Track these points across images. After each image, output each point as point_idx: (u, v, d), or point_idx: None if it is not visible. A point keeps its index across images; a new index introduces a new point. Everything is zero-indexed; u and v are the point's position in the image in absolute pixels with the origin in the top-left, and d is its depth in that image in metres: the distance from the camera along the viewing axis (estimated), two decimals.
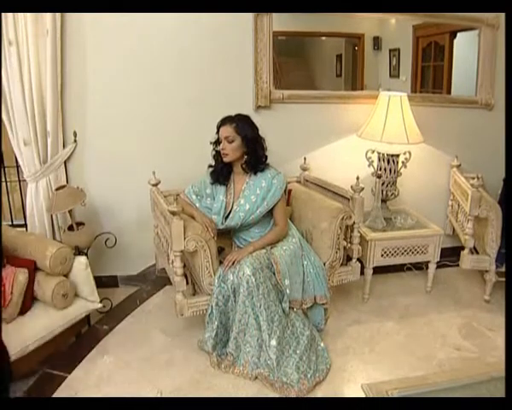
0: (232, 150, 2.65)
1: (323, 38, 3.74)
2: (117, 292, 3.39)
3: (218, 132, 2.69)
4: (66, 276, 2.68)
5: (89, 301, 2.78)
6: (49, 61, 2.95)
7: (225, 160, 2.70)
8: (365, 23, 3.57)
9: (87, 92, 3.14)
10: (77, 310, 2.71)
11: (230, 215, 2.75)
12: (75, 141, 3.18)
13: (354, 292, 3.35)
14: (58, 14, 2.92)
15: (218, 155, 2.75)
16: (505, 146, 2.65)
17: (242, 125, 2.65)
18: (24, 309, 2.57)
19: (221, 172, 2.79)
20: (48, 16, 2.88)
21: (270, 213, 2.78)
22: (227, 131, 2.64)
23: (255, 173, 2.73)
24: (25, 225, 3.29)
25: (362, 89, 3.65)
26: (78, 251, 2.95)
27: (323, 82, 3.71)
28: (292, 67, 3.59)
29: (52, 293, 2.56)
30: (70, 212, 3.01)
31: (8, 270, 2.57)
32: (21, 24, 2.89)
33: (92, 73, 3.12)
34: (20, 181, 3.40)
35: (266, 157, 2.76)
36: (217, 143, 2.72)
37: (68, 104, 3.13)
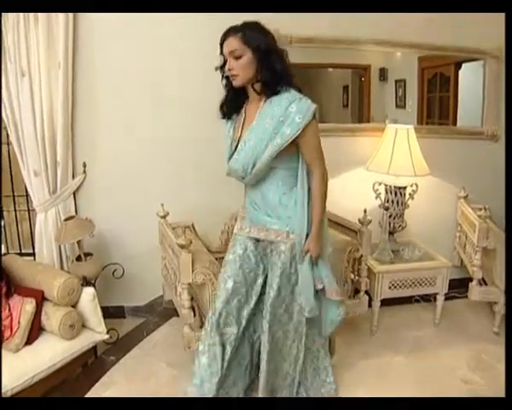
0: (242, 68, 1.98)
1: (330, 69, 3.78)
2: (124, 323, 3.38)
3: (221, 52, 2.03)
4: (73, 306, 2.69)
5: (96, 332, 2.78)
6: (60, 92, 3.00)
7: (235, 84, 2.04)
8: (371, 55, 3.60)
9: (97, 123, 3.19)
10: (84, 341, 2.71)
11: (234, 156, 2.12)
12: (84, 172, 3.22)
13: (362, 325, 3.31)
14: (70, 46, 2.98)
15: (228, 83, 2.11)
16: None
17: (251, 33, 1.97)
18: (31, 339, 2.57)
19: (233, 103, 2.17)
20: (61, 48, 2.94)
21: (293, 161, 2.10)
22: (232, 44, 1.97)
23: (270, 98, 2.03)
24: (33, 255, 3.30)
25: (368, 119, 3.68)
26: (86, 281, 2.95)
27: (330, 113, 3.74)
28: None
29: (59, 324, 2.57)
30: (78, 242, 3.02)
31: (16, 299, 2.59)
32: (34, 55, 2.95)
33: (102, 104, 3.16)
34: (29, 210, 3.43)
35: (290, 76, 2.03)
36: (223, 66, 2.05)
37: (78, 135, 3.18)
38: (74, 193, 3.23)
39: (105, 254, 3.32)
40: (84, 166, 3.21)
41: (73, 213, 3.18)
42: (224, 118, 2.21)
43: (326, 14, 3.15)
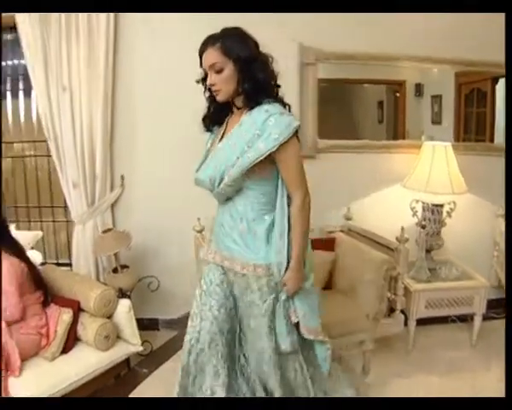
0: (224, 82, 1.81)
1: (365, 84, 3.77)
2: (158, 335, 3.39)
3: (201, 64, 1.86)
4: (109, 318, 2.71)
5: (130, 343, 2.79)
6: (100, 104, 3.07)
7: (219, 99, 1.88)
8: (406, 70, 3.57)
9: (136, 136, 3.24)
10: (118, 352, 2.72)
11: (202, 166, 1.97)
12: (122, 185, 3.27)
13: (397, 344, 3.25)
14: (111, 59, 3.06)
15: (211, 96, 1.94)
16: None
17: (231, 41, 1.79)
18: (67, 348, 2.60)
19: (216, 116, 2.00)
20: (101, 61, 3.02)
21: (268, 183, 1.88)
22: (211, 56, 1.79)
23: (251, 109, 1.84)
24: (70, 265, 3.36)
25: (404, 135, 3.64)
26: (122, 293, 2.99)
27: (365, 128, 3.72)
28: (334, 113, 3.62)
29: (95, 334, 2.59)
30: (115, 254, 3.06)
31: (53, 309, 2.63)
32: (75, 69, 3.04)
33: (141, 117, 3.22)
34: (67, 221, 3.50)
35: (273, 86, 1.87)
36: (204, 80, 1.90)
37: (117, 148, 3.24)
38: (112, 205, 3.29)
39: (141, 266, 3.35)
40: (122, 179, 3.26)
41: (111, 226, 3.23)
42: (207, 131, 2.05)
43: (361, 30, 3.16)
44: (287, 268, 1.86)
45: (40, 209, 3.64)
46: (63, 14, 2.98)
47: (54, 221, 3.61)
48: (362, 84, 3.74)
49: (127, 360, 2.90)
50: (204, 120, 2.02)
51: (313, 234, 2.76)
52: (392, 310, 2.96)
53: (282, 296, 1.90)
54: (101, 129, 3.10)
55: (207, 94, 1.94)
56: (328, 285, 3.07)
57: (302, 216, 1.85)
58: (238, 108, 1.87)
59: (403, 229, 2.85)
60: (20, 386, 2.31)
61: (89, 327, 2.63)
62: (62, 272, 2.98)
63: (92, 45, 3.03)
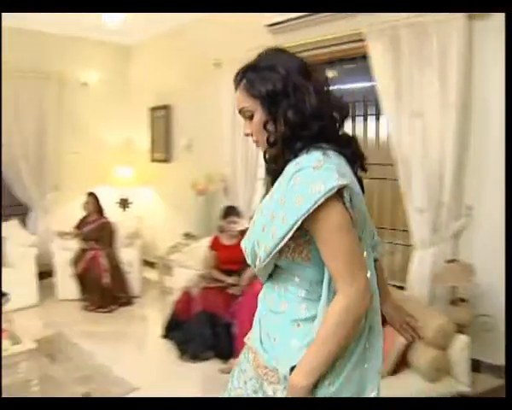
0: (257, 131, 1.38)
1: None
2: (480, 379, 3.08)
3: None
4: (443, 350, 2.63)
5: (458, 381, 2.65)
6: (451, 133, 3.03)
7: (262, 150, 1.45)
8: None
9: (487, 167, 3.06)
10: (444, 388, 2.62)
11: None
12: (468, 215, 3.13)
13: None
14: (463, 86, 2.99)
15: None
16: None
17: (256, 74, 1.35)
18: (397, 370, 2.64)
19: (271, 173, 1.48)
20: (453, 87, 2.98)
21: (300, 262, 1.32)
22: (239, 100, 1.40)
23: (286, 163, 1.35)
24: (401, 288, 3.41)
25: None
26: (458, 328, 2.86)
27: None
28: None
29: (427, 364, 2.55)
30: (455, 286, 2.95)
31: (389, 329, 2.69)
32: (427, 95, 3.09)
33: (494, 148, 3.00)
34: (406, 245, 3.57)
35: (311, 126, 1.31)
36: None
37: (466, 177, 3.13)
38: (455, 235, 3.18)
39: (479, 302, 3.13)
40: (470, 209, 3.12)
41: (452, 255, 3.13)
42: None
43: None
44: None
45: (381, 230, 3.81)
46: (414, 40, 3.10)
47: (393, 243, 3.74)
48: None
49: None
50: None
51: None
52: None
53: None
54: (452, 157, 3.04)
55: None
56: None
57: (336, 322, 1.23)
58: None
59: None
60: None
61: (422, 355, 2.61)
62: (399, 294, 3.04)
63: (444, 70, 3.02)
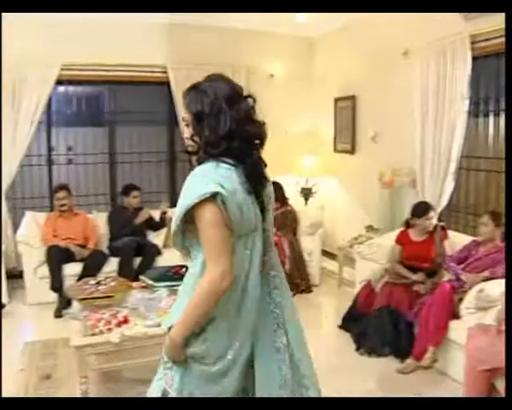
0: (188, 138, 1.74)
1: None
2: None
3: None
4: None
5: None
6: None
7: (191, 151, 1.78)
8: None
9: None
10: None
11: None
12: None
13: None
14: None
15: None
16: None
17: (194, 95, 1.68)
18: None
19: None
20: None
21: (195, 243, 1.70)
22: (184, 110, 1.75)
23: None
24: None
25: None
26: None
27: None
28: None
29: None
30: None
31: None
32: None
33: None
34: None
35: (216, 143, 1.63)
36: None
37: None
38: None
39: None
40: None
41: None
42: None
43: None
44: None
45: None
46: None
47: None
48: None
49: None
50: None
51: None
52: None
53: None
54: None
55: None
56: None
57: (201, 294, 1.59)
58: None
59: None
60: None
61: None
62: None
63: None
